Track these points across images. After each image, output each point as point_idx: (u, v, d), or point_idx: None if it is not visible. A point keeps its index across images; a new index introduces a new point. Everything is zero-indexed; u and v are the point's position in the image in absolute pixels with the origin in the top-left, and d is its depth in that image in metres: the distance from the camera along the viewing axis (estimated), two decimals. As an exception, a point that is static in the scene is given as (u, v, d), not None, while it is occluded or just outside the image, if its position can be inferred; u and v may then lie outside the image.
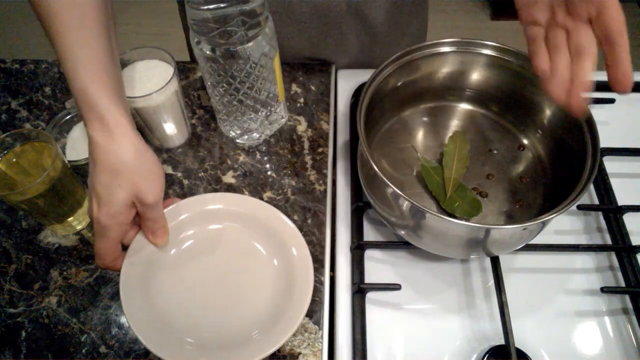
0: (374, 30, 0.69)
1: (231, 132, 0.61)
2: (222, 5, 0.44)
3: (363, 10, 0.65)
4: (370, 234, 0.55)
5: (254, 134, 0.60)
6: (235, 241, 0.52)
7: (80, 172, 0.59)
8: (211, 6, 0.44)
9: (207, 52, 0.49)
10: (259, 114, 0.57)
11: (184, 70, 0.69)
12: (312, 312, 0.49)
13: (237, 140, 0.61)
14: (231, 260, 0.50)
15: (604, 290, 0.48)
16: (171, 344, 0.43)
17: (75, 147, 0.58)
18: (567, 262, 0.53)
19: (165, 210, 0.49)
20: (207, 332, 0.46)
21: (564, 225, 0.55)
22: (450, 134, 0.58)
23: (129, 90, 0.53)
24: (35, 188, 0.46)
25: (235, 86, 0.52)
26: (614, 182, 0.56)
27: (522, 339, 0.47)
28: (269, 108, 0.57)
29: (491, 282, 0.51)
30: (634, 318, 0.48)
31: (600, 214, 0.56)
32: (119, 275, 0.52)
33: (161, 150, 0.62)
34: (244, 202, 0.53)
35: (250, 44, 0.48)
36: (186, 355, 0.43)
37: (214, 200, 0.53)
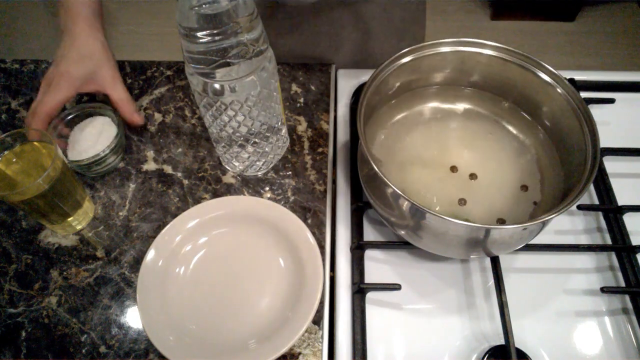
0: (369, 28, 0.68)
1: (238, 166, 0.58)
2: (216, 37, 0.41)
3: (358, 8, 0.65)
4: (370, 234, 0.55)
5: (258, 163, 0.58)
6: (246, 246, 0.53)
7: (80, 172, 0.59)
8: (205, 39, 0.41)
9: (201, 87, 0.46)
10: (263, 145, 0.55)
11: (183, 70, 0.69)
12: (312, 312, 0.49)
13: (245, 174, 0.59)
14: (241, 266, 0.52)
15: (604, 290, 0.48)
16: (185, 350, 0.45)
17: (75, 147, 0.58)
18: (567, 262, 0.52)
19: (174, 220, 0.52)
20: (217, 337, 0.47)
21: (564, 225, 0.55)
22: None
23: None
24: (35, 188, 0.46)
25: (233, 122, 0.50)
26: (614, 182, 0.56)
27: (522, 339, 0.47)
28: (272, 136, 0.55)
29: (491, 282, 0.51)
30: (634, 318, 0.48)
31: (600, 214, 0.56)
32: (120, 275, 0.52)
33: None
34: (252, 204, 0.53)
35: (249, 78, 0.45)
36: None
37: (219, 206, 0.54)
